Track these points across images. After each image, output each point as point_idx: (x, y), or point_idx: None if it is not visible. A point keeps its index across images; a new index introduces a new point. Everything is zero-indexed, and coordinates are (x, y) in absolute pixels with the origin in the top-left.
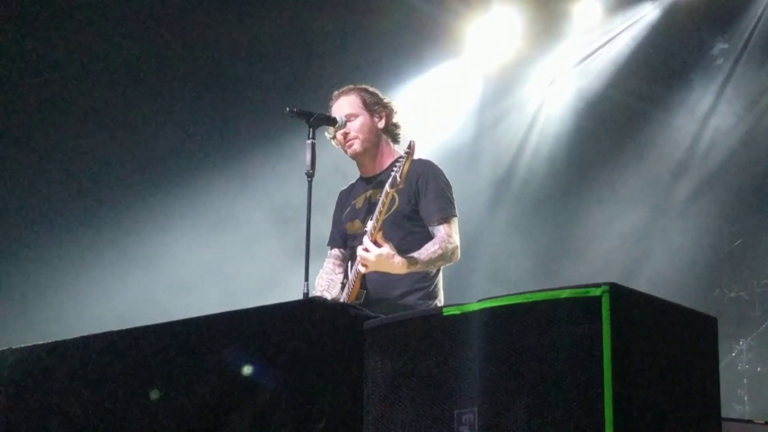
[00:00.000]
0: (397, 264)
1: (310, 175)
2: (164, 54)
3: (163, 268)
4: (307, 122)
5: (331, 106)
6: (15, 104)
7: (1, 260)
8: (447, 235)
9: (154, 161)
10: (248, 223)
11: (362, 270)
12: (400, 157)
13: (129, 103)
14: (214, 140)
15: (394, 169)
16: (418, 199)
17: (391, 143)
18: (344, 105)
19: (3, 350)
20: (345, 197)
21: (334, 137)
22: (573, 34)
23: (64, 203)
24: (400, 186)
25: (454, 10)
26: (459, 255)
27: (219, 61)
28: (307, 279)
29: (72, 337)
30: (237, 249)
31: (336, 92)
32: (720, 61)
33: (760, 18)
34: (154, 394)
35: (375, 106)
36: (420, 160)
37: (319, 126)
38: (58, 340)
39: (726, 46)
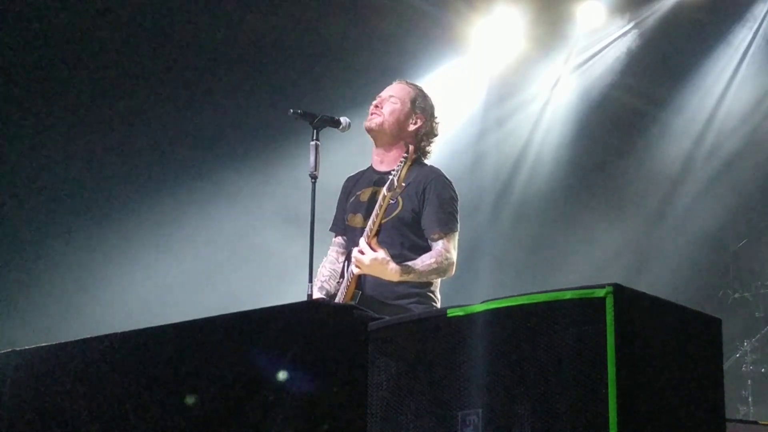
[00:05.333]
0: (390, 271)
1: (314, 177)
2: (167, 55)
3: (167, 270)
4: (311, 124)
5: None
6: (15, 105)
7: (1, 261)
8: (445, 250)
9: (158, 161)
10: (251, 225)
11: (356, 272)
12: (400, 161)
13: (130, 105)
14: (217, 141)
15: (392, 172)
16: (421, 208)
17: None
18: (395, 87)
19: (7, 352)
20: (352, 185)
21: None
22: (577, 34)
23: (67, 204)
24: (398, 190)
25: (458, 11)
26: (454, 271)
27: (222, 63)
28: (311, 280)
29: (75, 339)
30: (240, 250)
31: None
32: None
33: (763, 19)
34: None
35: (418, 109)
36: (431, 167)
37: (323, 128)
38: (61, 342)
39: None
